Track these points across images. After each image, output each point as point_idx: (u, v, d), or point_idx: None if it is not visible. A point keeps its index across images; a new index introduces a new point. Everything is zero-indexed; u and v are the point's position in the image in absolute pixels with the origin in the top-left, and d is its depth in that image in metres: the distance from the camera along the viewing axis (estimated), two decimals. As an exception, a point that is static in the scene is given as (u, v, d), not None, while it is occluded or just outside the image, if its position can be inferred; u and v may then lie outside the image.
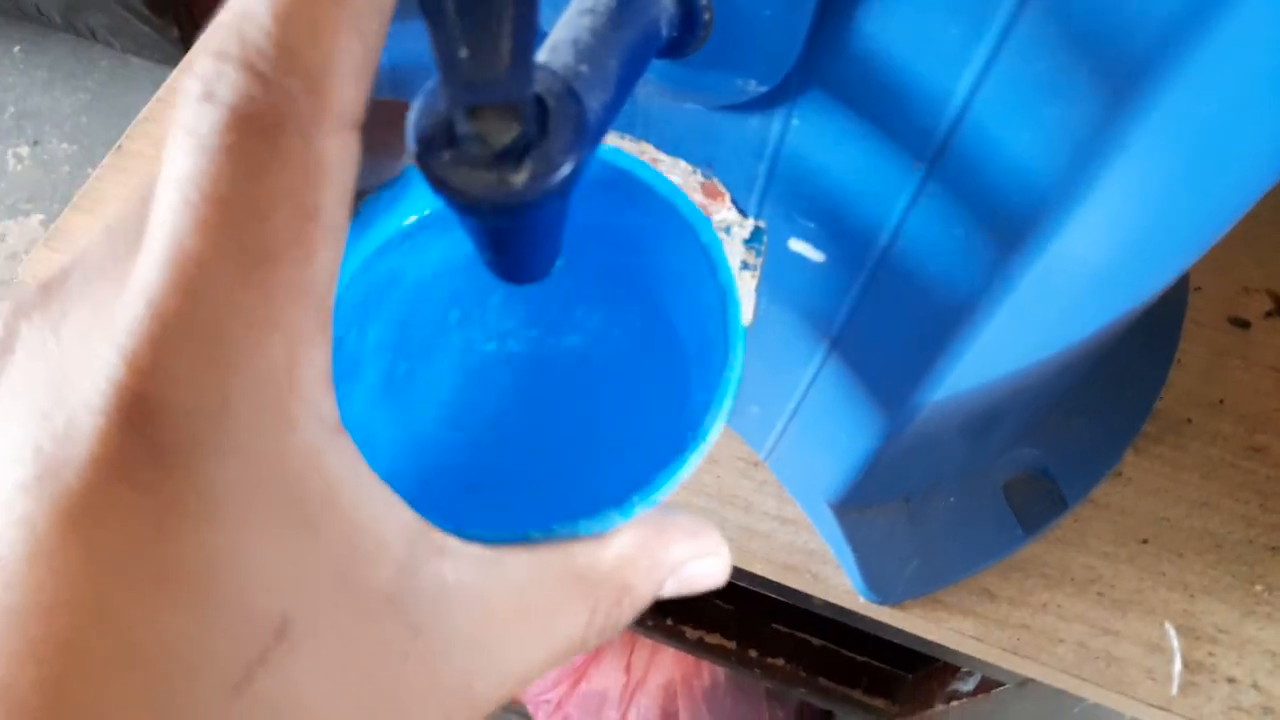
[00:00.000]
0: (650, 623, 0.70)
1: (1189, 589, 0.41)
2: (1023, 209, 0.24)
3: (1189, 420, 0.44)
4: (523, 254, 0.20)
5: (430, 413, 0.28)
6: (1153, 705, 0.38)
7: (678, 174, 0.32)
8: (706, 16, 0.24)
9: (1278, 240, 0.49)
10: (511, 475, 0.27)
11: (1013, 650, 0.38)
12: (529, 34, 0.15)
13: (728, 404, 0.21)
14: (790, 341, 0.36)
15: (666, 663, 0.83)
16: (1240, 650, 0.39)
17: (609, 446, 0.27)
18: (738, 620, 0.70)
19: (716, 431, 0.21)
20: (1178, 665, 0.39)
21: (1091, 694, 0.38)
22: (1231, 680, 0.39)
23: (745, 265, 0.35)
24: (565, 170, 0.17)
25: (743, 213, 0.32)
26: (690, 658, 0.81)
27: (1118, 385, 0.44)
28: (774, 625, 0.71)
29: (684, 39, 0.25)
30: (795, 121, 0.27)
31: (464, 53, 0.14)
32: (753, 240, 0.33)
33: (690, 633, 0.71)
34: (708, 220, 0.23)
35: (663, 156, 0.32)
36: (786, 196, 0.30)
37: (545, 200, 0.17)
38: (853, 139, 0.26)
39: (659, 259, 0.25)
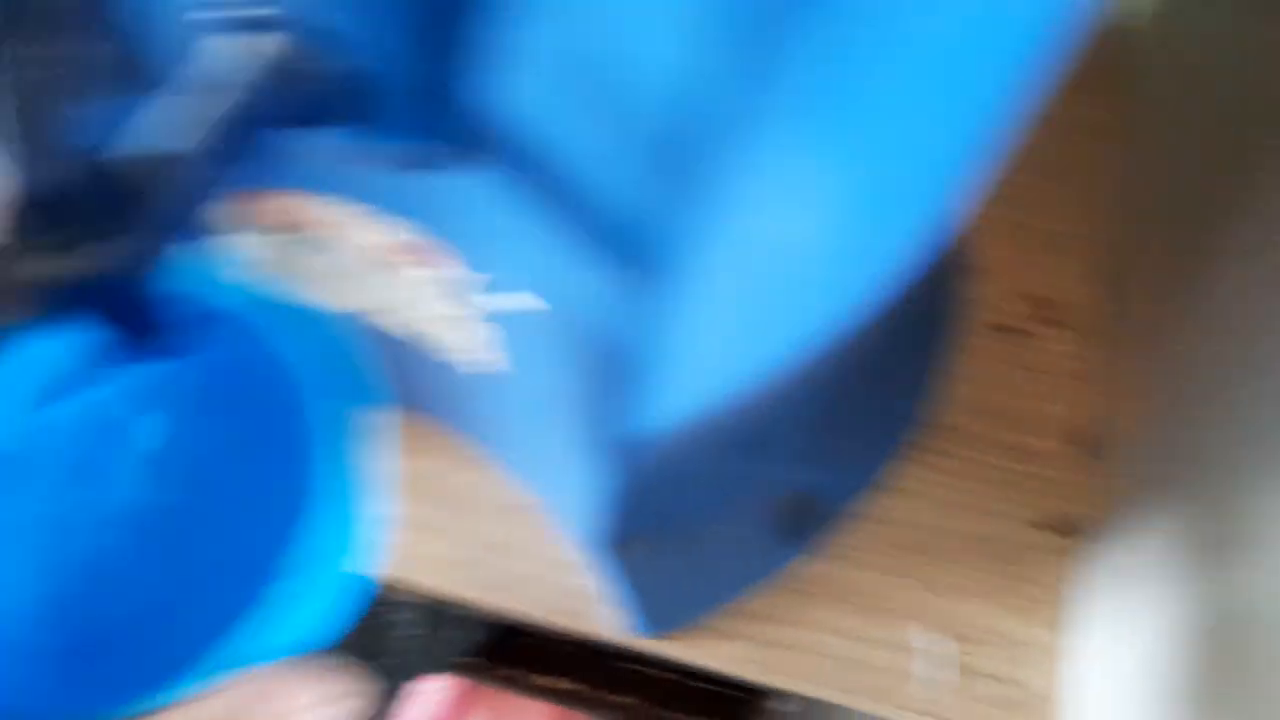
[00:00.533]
0: (500, 672, 0.69)
1: (962, 593, 0.41)
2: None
3: (955, 427, 0.46)
4: None
5: None
6: (922, 713, 0.38)
7: (401, 233, 0.32)
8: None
9: (1037, 246, 0.51)
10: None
11: (778, 669, 0.38)
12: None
13: None
14: (533, 387, 0.36)
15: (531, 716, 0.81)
16: (1012, 649, 0.40)
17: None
18: (581, 662, 0.69)
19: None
20: (943, 669, 0.39)
21: (861, 704, 0.38)
22: (998, 679, 0.39)
23: (487, 317, 0.34)
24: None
25: (472, 268, 0.32)
26: (556, 708, 0.79)
27: (882, 398, 0.45)
28: (618, 663, 0.70)
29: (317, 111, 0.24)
30: (478, 180, 0.27)
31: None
32: (489, 291, 0.33)
33: (539, 680, 0.69)
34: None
35: (380, 219, 0.32)
36: (506, 250, 0.30)
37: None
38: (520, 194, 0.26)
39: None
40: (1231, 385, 0.35)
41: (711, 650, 0.39)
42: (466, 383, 0.37)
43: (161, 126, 0.18)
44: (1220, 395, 0.36)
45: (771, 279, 0.27)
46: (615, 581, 0.39)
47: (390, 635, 0.59)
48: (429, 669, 0.61)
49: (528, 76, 0.23)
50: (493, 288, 0.33)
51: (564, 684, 0.69)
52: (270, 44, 0.20)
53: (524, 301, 0.31)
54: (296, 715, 0.19)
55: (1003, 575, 0.42)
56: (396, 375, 0.24)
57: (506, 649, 0.69)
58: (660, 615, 0.39)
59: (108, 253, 0.15)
